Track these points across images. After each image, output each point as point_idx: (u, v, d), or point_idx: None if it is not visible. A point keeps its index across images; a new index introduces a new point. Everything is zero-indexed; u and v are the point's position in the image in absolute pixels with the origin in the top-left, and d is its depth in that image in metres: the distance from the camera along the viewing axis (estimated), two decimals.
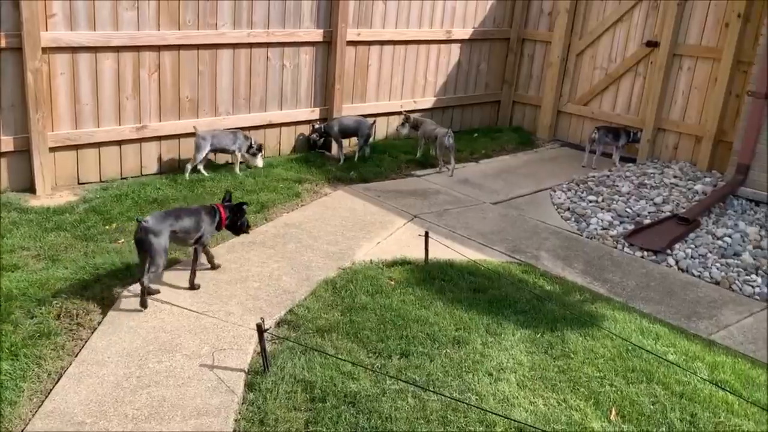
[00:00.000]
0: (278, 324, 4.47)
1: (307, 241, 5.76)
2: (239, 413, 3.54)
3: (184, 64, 6.93)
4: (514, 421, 3.54)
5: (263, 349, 3.86)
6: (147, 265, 4.39)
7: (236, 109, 7.45)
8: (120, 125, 6.65)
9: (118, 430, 3.34)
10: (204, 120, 7.19)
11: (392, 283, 5.09)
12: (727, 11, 7.84)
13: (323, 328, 4.39)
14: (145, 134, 6.82)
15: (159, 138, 6.96)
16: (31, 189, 6.23)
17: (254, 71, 7.46)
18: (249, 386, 3.76)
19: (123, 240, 5.41)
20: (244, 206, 5.10)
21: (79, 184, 6.54)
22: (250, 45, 7.35)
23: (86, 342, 4.04)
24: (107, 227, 5.63)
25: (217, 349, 4.07)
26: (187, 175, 6.92)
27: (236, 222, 5.05)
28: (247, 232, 5.26)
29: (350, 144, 8.29)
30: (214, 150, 7.06)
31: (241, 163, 7.22)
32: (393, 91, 8.84)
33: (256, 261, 5.31)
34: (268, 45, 7.49)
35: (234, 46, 7.24)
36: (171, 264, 5.10)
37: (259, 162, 7.42)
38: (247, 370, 3.90)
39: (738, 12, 7.68)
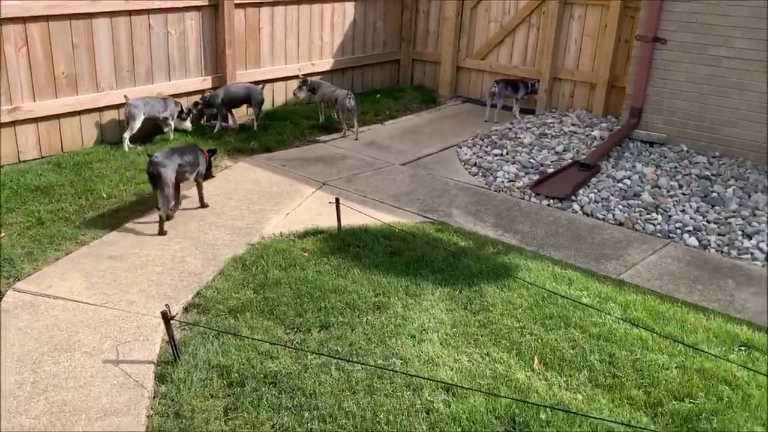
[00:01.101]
0: (186, 309, 4.20)
1: (210, 219, 5.45)
2: (151, 408, 3.29)
3: (56, 37, 6.31)
4: (441, 382, 3.49)
5: (171, 337, 3.59)
6: (158, 197, 5.11)
7: (120, 82, 6.91)
8: None
9: None
10: (86, 97, 6.62)
11: (306, 254, 4.90)
12: None
13: (235, 308, 4.16)
14: (18, 116, 6.19)
15: (35, 120, 6.34)
16: None
17: (136, 41, 6.92)
18: (160, 378, 3.50)
19: (4, 234, 4.91)
20: (214, 153, 5.93)
21: None
22: (129, 12, 6.80)
23: None
24: None
25: (121, 342, 3.76)
26: (126, 147, 6.65)
27: (209, 166, 5.74)
28: (212, 176, 5.93)
29: (247, 113, 7.92)
30: (147, 118, 6.79)
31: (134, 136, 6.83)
32: (289, 54, 8.49)
33: (155, 244, 4.96)
34: (149, 12, 6.95)
35: (111, 14, 6.66)
36: (68, 252, 4.69)
37: (188, 125, 7.26)
38: (156, 362, 3.63)
39: None
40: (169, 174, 5.14)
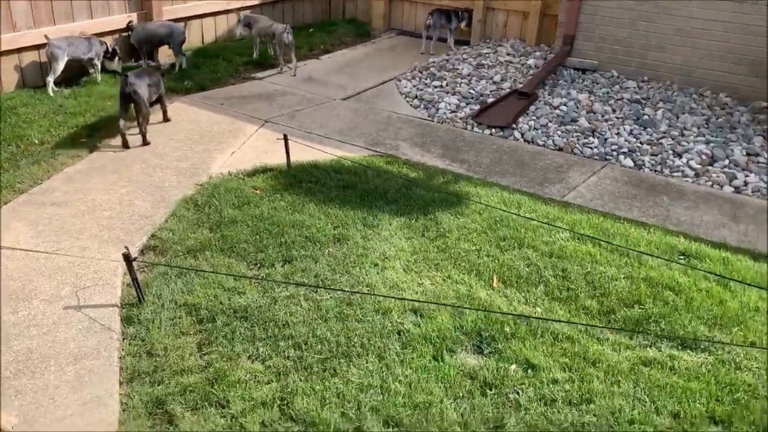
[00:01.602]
0: (142, 251, 4.11)
1: (153, 161, 5.28)
2: (122, 350, 3.26)
3: None
4: (409, 300, 3.60)
5: (134, 278, 3.53)
6: (136, 114, 5.50)
7: (38, 21, 6.45)
8: None
9: None
10: (3, 37, 6.16)
11: (258, 192, 4.85)
12: None
13: (194, 248, 4.11)
14: None
15: None
16: None
17: None
18: (126, 320, 3.46)
19: None
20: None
21: None
22: None
23: None
24: None
25: (80, 288, 3.67)
26: (51, 91, 6.28)
27: None
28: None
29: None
30: (71, 59, 6.39)
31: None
32: None
33: (100, 189, 4.79)
34: None
35: None
36: (6, 201, 4.46)
37: (117, 66, 6.89)
38: (120, 305, 3.57)
39: None
40: (143, 92, 5.49)
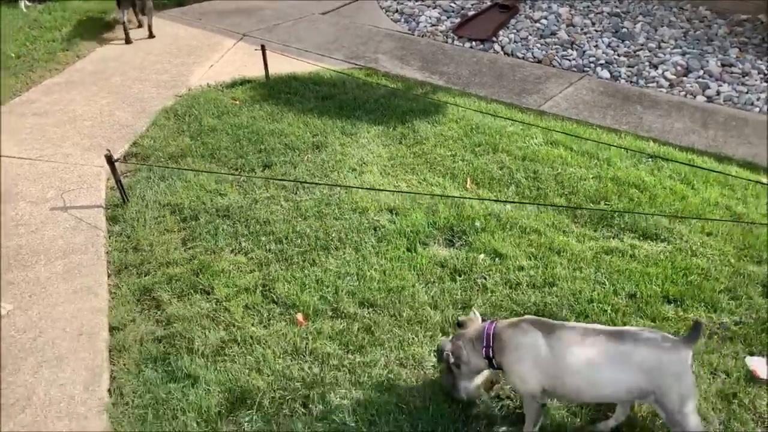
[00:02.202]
0: (125, 158, 4.19)
1: (132, 73, 5.29)
2: (109, 246, 3.39)
3: None
4: (390, 192, 3.74)
5: (117, 180, 3.63)
6: (142, 8, 5.94)
7: None
8: None
9: None
10: None
11: (237, 102, 4.90)
12: None
13: (175, 154, 4.20)
14: None
15: None
16: None
17: None
18: (112, 220, 3.58)
19: None
20: None
21: None
22: None
23: None
24: None
25: (65, 191, 3.77)
26: (23, 6, 6.35)
27: None
28: None
29: None
30: None
31: None
32: None
33: (80, 100, 4.82)
34: None
35: None
36: None
37: None
38: (105, 206, 3.68)
39: None
40: None
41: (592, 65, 5.92)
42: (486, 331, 2.40)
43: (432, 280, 3.19)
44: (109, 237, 3.45)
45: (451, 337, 2.55)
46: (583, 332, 2.30)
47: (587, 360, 2.25)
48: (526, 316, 2.46)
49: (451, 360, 2.44)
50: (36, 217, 3.54)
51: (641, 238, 3.54)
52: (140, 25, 6.04)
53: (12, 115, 4.55)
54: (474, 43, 6.33)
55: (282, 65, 5.40)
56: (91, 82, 5.08)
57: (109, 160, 3.55)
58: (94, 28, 6.01)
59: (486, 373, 2.54)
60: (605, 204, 3.83)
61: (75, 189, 3.79)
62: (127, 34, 5.89)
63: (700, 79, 5.64)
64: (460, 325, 2.53)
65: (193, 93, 5.04)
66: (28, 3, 6.27)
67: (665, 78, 5.70)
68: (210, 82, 5.24)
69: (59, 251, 3.31)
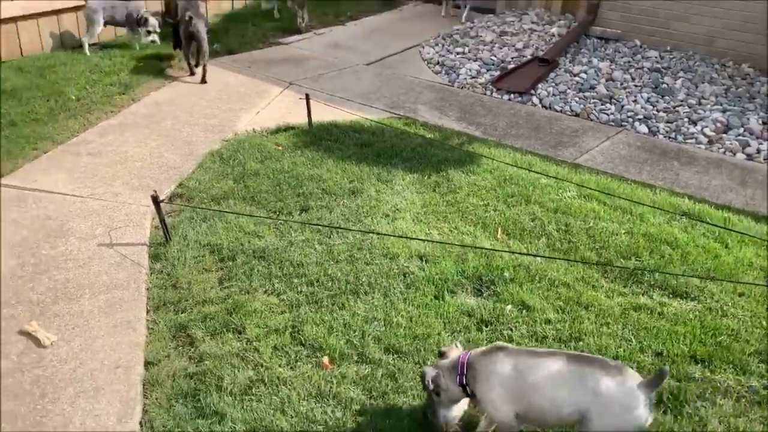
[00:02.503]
0: (170, 198, 4.40)
1: (183, 117, 5.56)
2: (150, 282, 3.55)
3: None
4: (420, 240, 3.82)
5: (162, 220, 3.82)
6: (197, 51, 6.20)
7: None
8: None
9: (26, 315, 3.26)
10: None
11: (280, 148, 5.10)
12: None
13: (218, 196, 4.38)
14: None
15: None
16: None
17: None
18: (154, 257, 3.75)
19: None
20: None
21: None
22: None
23: None
24: None
25: (113, 229, 3.97)
26: (87, 51, 6.61)
27: None
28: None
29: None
30: (108, 22, 6.69)
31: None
32: None
33: (132, 142, 5.08)
34: None
35: None
36: (46, 150, 4.79)
37: (155, 37, 6.80)
38: (148, 244, 3.86)
39: None
40: (203, 28, 6.16)
41: (630, 120, 5.96)
42: (460, 360, 2.52)
43: (458, 329, 3.24)
44: (151, 274, 3.61)
45: (433, 366, 2.66)
46: (548, 354, 2.45)
47: (547, 378, 2.36)
48: (498, 343, 2.59)
49: (431, 387, 2.54)
50: (84, 253, 3.73)
51: (671, 295, 3.52)
52: (192, 73, 6.36)
53: (68, 154, 4.82)
54: (512, 95, 6.45)
55: (324, 113, 5.60)
56: (144, 124, 5.35)
57: (155, 200, 3.74)
58: (150, 74, 6.35)
59: (465, 403, 2.64)
60: (636, 260, 3.83)
61: (122, 227, 3.99)
62: (190, 66, 6.34)
63: (740, 137, 5.62)
64: (441, 354, 2.66)
65: (239, 138, 5.26)
66: (91, 49, 6.66)
67: (704, 134, 5.70)
68: (256, 127, 5.46)
69: (103, 286, 3.48)
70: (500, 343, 2.60)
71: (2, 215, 4.02)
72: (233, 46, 7.29)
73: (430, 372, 2.57)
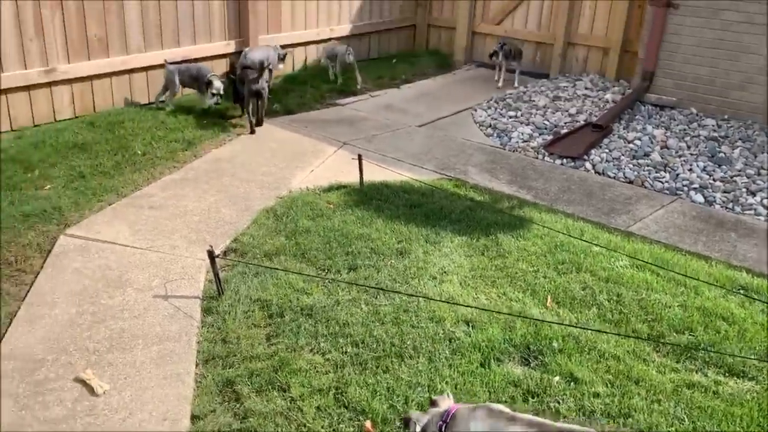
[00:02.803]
0: (225, 253, 4.53)
1: (241, 174, 5.76)
2: (200, 336, 3.64)
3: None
4: (467, 306, 3.81)
5: (216, 274, 3.93)
6: (258, 106, 6.74)
7: (148, 45, 7.17)
8: (26, 69, 6.29)
9: (82, 362, 3.37)
10: (116, 59, 6.90)
11: (331, 206, 5.21)
12: None
13: (270, 252, 4.49)
14: (55, 77, 6.49)
15: (70, 81, 6.63)
16: None
17: (164, 4, 7.16)
18: (206, 311, 3.85)
19: (49, 186, 5.24)
20: None
21: None
22: None
23: (31, 286, 3.98)
24: (29, 175, 5.42)
25: (168, 281, 4.10)
26: (168, 106, 7.00)
27: None
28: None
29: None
30: (183, 83, 7.05)
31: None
32: (308, 20, 8.71)
33: (192, 196, 5.29)
34: None
35: None
36: (111, 203, 5.02)
37: (217, 98, 7.02)
38: (201, 297, 3.98)
39: None
40: (265, 85, 6.71)
41: (686, 188, 5.88)
42: (448, 410, 2.61)
43: (504, 399, 3.19)
44: (202, 327, 3.71)
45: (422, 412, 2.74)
46: (528, 422, 2.48)
47: None
48: (486, 403, 2.64)
49: (417, 429, 2.61)
50: (140, 304, 3.87)
51: (727, 374, 3.40)
52: (252, 131, 6.62)
53: (131, 206, 5.05)
54: (565, 160, 6.46)
55: (376, 173, 5.72)
56: (204, 180, 5.57)
57: (211, 255, 3.87)
58: (212, 131, 6.63)
59: None
60: (690, 335, 3.72)
61: (177, 279, 4.13)
62: (251, 123, 6.71)
63: None
64: (432, 403, 2.73)
65: (293, 195, 5.41)
66: (160, 106, 7.02)
67: (764, 206, 5.56)
68: (309, 185, 5.61)
69: (156, 337, 3.59)
70: (492, 403, 2.66)
71: (66, 264, 4.21)
72: (292, 107, 7.56)
73: (415, 415, 2.68)
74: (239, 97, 7.00)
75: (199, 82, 7.04)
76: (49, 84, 6.48)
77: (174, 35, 7.36)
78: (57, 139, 6.08)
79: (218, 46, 7.81)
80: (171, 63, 7.02)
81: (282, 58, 7.86)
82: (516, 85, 8.61)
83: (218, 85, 6.94)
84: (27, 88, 6.33)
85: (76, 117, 6.73)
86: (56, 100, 6.58)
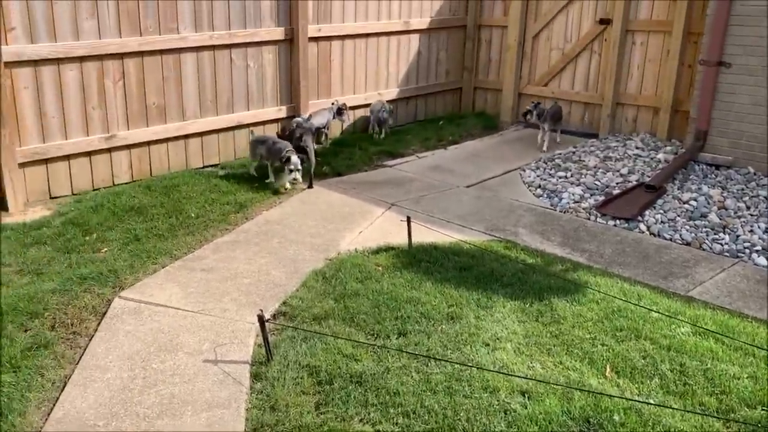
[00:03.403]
0: (274, 316, 4.52)
1: (290, 236, 5.81)
2: (249, 403, 3.59)
3: (149, 70, 6.89)
4: (520, 377, 3.68)
5: (266, 339, 3.91)
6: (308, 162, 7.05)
7: (204, 111, 7.44)
8: (88, 136, 6.58)
9: (132, 429, 3.36)
10: (173, 125, 7.16)
11: (380, 268, 5.18)
12: None
13: (319, 316, 4.46)
14: (115, 143, 6.76)
15: (128, 146, 6.90)
16: (2, 206, 6.11)
17: (219, 73, 7.46)
18: (255, 377, 3.82)
19: (106, 249, 5.37)
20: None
21: (51, 198, 6.45)
22: (213, 47, 7.34)
23: (85, 349, 4.03)
24: (87, 238, 5.58)
25: (218, 345, 4.10)
26: (275, 183, 7.05)
27: None
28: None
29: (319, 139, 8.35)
30: (260, 158, 7.22)
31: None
32: (357, 84, 8.93)
33: (242, 258, 5.34)
34: (230, 46, 7.49)
35: (197, 49, 7.22)
36: (164, 265, 5.11)
37: (296, 174, 6.86)
38: (251, 362, 3.95)
39: None
40: (311, 143, 7.18)
41: (747, 251, 5.65)
42: None
43: None
44: (251, 394, 3.66)
45: None
46: None
47: None
48: None
49: None
50: (190, 368, 3.86)
51: None
52: (310, 186, 6.91)
53: (184, 269, 5.12)
54: (618, 221, 6.32)
55: (424, 234, 5.69)
56: (255, 242, 5.63)
57: (261, 320, 3.86)
58: (263, 193, 6.75)
59: None
60: (762, 410, 3.49)
61: (227, 343, 4.12)
62: (311, 179, 7.04)
63: None
64: None
65: (341, 257, 5.41)
66: (212, 170, 7.20)
67: None
68: (358, 247, 5.61)
69: (205, 403, 3.56)
70: None
71: (119, 327, 4.27)
72: (341, 169, 7.66)
73: None
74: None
75: (276, 157, 6.93)
76: (109, 150, 6.75)
77: (228, 102, 7.62)
78: (114, 203, 6.28)
79: (270, 112, 8.04)
80: (256, 139, 7.25)
81: (339, 114, 8.28)
82: (558, 141, 8.58)
83: (296, 160, 6.82)
84: (88, 153, 6.61)
85: (134, 181, 6.96)
86: (115, 165, 6.84)
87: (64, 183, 6.53)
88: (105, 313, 4.43)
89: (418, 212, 6.41)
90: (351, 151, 8.21)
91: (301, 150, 6.99)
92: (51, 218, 5.94)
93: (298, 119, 7.70)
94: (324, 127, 8.28)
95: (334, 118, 8.31)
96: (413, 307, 4.56)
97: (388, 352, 4.00)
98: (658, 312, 4.52)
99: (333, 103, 8.33)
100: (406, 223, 5.58)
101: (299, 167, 6.87)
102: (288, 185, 6.96)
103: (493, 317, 4.47)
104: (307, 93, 8.21)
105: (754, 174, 7.16)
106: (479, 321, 4.41)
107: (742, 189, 6.82)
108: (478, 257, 5.40)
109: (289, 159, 6.82)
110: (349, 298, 4.68)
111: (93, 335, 4.19)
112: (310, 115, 8.02)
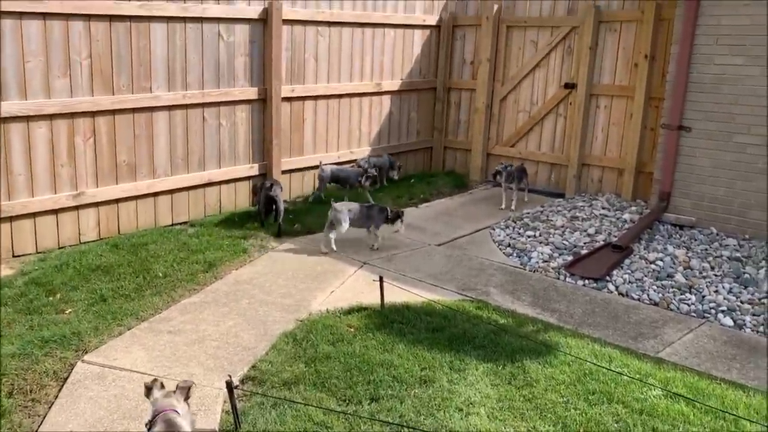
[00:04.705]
0: (242, 381, 4.41)
1: (260, 296, 5.73)
2: None
3: (120, 129, 6.88)
4: None
5: (234, 406, 3.81)
6: (275, 211, 7.41)
7: (174, 169, 7.41)
8: (56, 193, 6.49)
9: None
10: (143, 183, 7.11)
11: (352, 329, 5.13)
12: (635, 53, 8.52)
13: (289, 380, 4.37)
14: (82, 201, 6.67)
15: (96, 204, 6.81)
16: None
17: (191, 131, 7.48)
18: None
19: (70, 310, 5.23)
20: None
21: (14, 256, 6.30)
22: (186, 106, 7.38)
23: (44, 417, 3.87)
24: (50, 298, 5.43)
25: None
26: (331, 245, 6.99)
27: None
28: None
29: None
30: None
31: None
32: (330, 143, 9.02)
33: (211, 320, 5.24)
34: (203, 105, 7.54)
35: (169, 108, 7.25)
36: (130, 327, 4.98)
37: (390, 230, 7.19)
38: (218, 431, 3.82)
39: (645, 53, 8.35)
40: (280, 193, 7.42)
41: (713, 311, 5.74)
42: None
43: None
44: None
45: None
46: None
47: None
48: None
49: None
50: None
51: None
52: (278, 235, 7.00)
53: (150, 331, 4.99)
54: (587, 281, 6.39)
55: (396, 294, 5.67)
56: (223, 303, 5.54)
57: (229, 386, 3.76)
58: (233, 252, 6.68)
59: None
60: None
61: (194, 411, 3.97)
62: (279, 229, 7.29)
63: None
64: None
65: (313, 318, 5.34)
66: (191, 231, 7.13)
67: None
68: (329, 307, 5.56)
69: None
70: None
71: (81, 393, 4.11)
72: (313, 226, 7.65)
73: None
74: (259, 211, 7.56)
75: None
76: (77, 207, 6.66)
77: (200, 160, 7.63)
78: (80, 262, 6.15)
79: (242, 169, 8.06)
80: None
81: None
82: (526, 200, 8.75)
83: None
84: (55, 211, 6.50)
85: (101, 239, 6.85)
86: (82, 223, 6.73)
87: (29, 241, 6.39)
88: (67, 379, 4.28)
89: (390, 271, 6.40)
90: (323, 209, 8.19)
91: (270, 200, 7.32)
92: (13, 278, 5.79)
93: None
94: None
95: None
96: (386, 371, 4.50)
97: (360, 418, 3.92)
98: (629, 376, 4.53)
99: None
100: (378, 282, 5.56)
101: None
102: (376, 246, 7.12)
103: (466, 380, 4.43)
104: (279, 151, 8.26)
105: (717, 234, 7.35)
106: (452, 385, 4.37)
107: (706, 249, 6.99)
108: (451, 318, 5.39)
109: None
110: (320, 362, 4.60)
111: (53, 402, 4.03)
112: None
